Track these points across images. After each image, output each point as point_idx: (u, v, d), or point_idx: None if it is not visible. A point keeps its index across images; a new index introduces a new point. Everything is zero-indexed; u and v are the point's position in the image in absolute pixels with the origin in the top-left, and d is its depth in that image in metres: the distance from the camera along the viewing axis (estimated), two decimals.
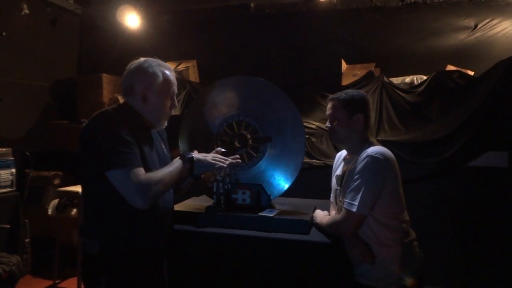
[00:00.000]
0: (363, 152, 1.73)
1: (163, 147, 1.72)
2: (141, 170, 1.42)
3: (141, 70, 1.55)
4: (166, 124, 1.66)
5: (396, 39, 4.28)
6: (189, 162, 1.62)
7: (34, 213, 3.63)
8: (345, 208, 1.69)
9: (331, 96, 1.89)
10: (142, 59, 1.60)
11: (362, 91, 1.95)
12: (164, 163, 1.63)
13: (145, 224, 1.50)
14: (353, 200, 1.65)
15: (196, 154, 1.68)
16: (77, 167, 1.52)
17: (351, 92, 1.86)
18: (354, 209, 1.65)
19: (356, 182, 1.67)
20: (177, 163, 1.58)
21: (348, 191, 1.69)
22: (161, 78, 1.56)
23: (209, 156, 1.72)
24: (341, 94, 1.85)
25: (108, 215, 1.47)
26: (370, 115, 1.86)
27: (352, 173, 1.72)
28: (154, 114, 1.58)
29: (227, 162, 1.74)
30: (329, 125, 1.87)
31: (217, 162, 1.71)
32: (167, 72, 1.59)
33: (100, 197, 1.46)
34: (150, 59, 1.60)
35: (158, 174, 1.47)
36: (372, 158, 1.67)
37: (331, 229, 1.75)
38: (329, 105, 1.87)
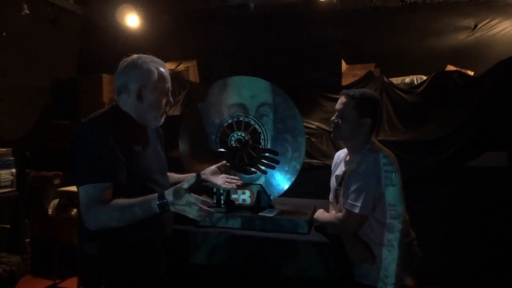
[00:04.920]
0: (364, 153, 1.73)
1: (159, 147, 1.69)
2: (106, 189, 1.37)
3: (135, 67, 1.52)
4: (162, 121, 1.63)
5: (396, 39, 4.28)
6: (160, 208, 1.36)
7: (34, 213, 3.61)
8: (347, 209, 1.69)
9: (345, 90, 1.83)
10: (135, 56, 1.57)
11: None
12: (160, 164, 1.63)
13: (144, 225, 1.48)
14: (356, 201, 1.65)
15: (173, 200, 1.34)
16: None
17: (367, 93, 1.81)
18: (357, 210, 1.65)
19: (359, 183, 1.67)
20: (147, 203, 1.37)
21: (350, 191, 1.69)
22: (156, 74, 1.53)
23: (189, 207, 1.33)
24: (356, 93, 1.78)
25: None
26: (378, 118, 1.84)
27: (353, 174, 1.72)
28: (150, 111, 1.55)
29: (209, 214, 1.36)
30: (335, 120, 1.82)
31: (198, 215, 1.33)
32: (161, 68, 1.56)
33: None
34: (143, 56, 1.57)
35: (120, 203, 1.37)
36: (375, 160, 1.67)
37: (332, 227, 1.76)
38: (341, 100, 1.81)
